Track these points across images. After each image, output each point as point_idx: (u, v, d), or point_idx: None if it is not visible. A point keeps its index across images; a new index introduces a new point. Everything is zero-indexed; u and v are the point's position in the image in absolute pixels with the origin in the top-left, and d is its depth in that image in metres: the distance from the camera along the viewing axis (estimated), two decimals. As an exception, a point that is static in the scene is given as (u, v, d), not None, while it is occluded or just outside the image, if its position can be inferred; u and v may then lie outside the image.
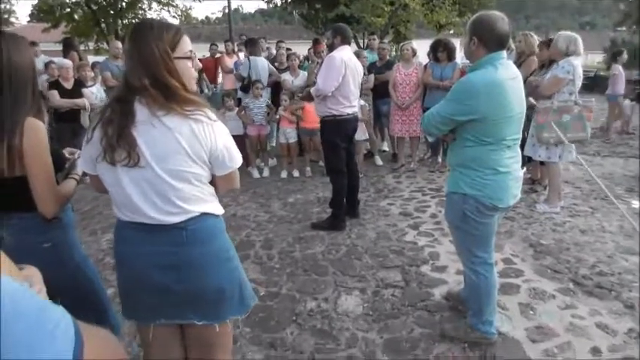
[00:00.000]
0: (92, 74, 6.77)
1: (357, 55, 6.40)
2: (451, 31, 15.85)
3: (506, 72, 2.36)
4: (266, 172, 6.53)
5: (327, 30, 4.44)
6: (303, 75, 6.59)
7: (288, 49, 8.22)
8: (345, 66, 4.15)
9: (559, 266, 3.58)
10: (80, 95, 6.22)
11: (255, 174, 6.46)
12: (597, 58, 27.71)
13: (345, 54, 4.22)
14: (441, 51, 6.22)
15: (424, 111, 6.45)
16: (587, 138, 4.68)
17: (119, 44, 7.53)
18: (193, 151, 1.55)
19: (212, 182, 1.73)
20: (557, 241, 4.06)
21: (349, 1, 11.94)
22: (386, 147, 7.79)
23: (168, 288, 1.64)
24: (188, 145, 1.54)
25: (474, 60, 2.43)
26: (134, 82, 1.54)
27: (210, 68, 9.04)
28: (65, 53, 8.16)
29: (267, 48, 9.50)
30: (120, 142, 1.51)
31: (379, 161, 6.94)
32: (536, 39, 5.60)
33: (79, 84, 6.35)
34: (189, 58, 1.61)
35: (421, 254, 3.92)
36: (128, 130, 1.51)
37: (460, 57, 7.14)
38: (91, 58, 9.85)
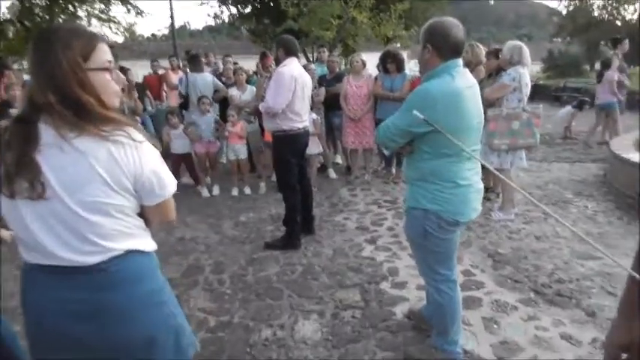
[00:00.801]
0: (20, 94, 6.29)
1: (305, 68, 6.30)
2: (398, 45, 16.08)
3: (464, 80, 2.25)
4: (216, 191, 6.24)
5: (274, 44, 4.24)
6: (250, 90, 6.38)
7: (235, 64, 8.02)
8: (295, 81, 3.98)
9: (518, 275, 3.52)
10: (7, 116, 5.74)
11: (205, 193, 6.17)
12: (536, 68, 28.96)
13: (294, 68, 4.05)
14: (390, 62, 6.19)
15: (376, 122, 6.41)
16: (536, 144, 4.71)
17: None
18: (113, 178, 1.32)
19: (143, 214, 1.49)
20: (515, 249, 4.02)
21: (297, 15, 11.86)
22: (339, 159, 7.67)
23: (88, 341, 1.38)
24: (106, 172, 1.31)
25: (429, 69, 2.31)
26: (38, 98, 1.29)
27: (154, 85, 8.69)
28: (-5, 72, 7.63)
29: (215, 63, 9.28)
30: (20, 171, 1.26)
31: (333, 174, 6.80)
32: (482, 49, 5.64)
33: (6, 104, 5.87)
34: (106, 69, 1.38)
35: (380, 270, 3.77)
36: (30, 156, 1.27)
37: (409, 68, 7.14)
38: (27, 78, 9.24)
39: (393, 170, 6.59)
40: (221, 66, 8.15)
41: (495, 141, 4.52)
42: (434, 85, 2.21)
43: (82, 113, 1.29)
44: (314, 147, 6.16)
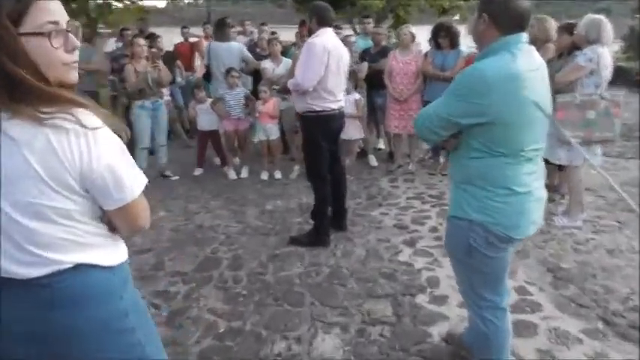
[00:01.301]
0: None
1: (345, 40, 5.95)
2: (456, 17, 15.35)
3: (528, 61, 1.90)
4: (244, 173, 6.05)
5: None
6: (285, 63, 6.09)
7: (273, 33, 7.74)
8: (328, 54, 3.67)
9: (584, 298, 3.13)
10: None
11: (232, 175, 5.99)
12: (614, 47, 27.24)
13: (328, 39, 3.74)
14: (442, 36, 5.75)
15: (424, 105, 6.02)
16: (615, 138, 4.23)
17: (77, 23, 6.99)
18: (51, 174, 1.10)
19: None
20: (581, 264, 3.61)
21: (344, -19, 11.46)
22: (382, 144, 7.32)
23: None
24: (42, 167, 1.09)
25: (485, 44, 1.96)
26: None
27: (185, 54, 8.53)
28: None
29: (252, 32, 9.04)
30: None
31: (373, 161, 6.47)
32: (552, 23, 5.15)
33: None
34: (47, 34, 1.13)
35: (417, 279, 3.46)
36: None
37: (465, 44, 6.68)
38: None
39: (441, 160, 6.19)
40: (257, 35, 7.90)
41: (565, 133, 4.07)
42: (489, 65, 1.87)
43: (15, 90, 1.05)
44: (354, 131, 5.86)
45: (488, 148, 1.92)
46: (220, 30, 6.38)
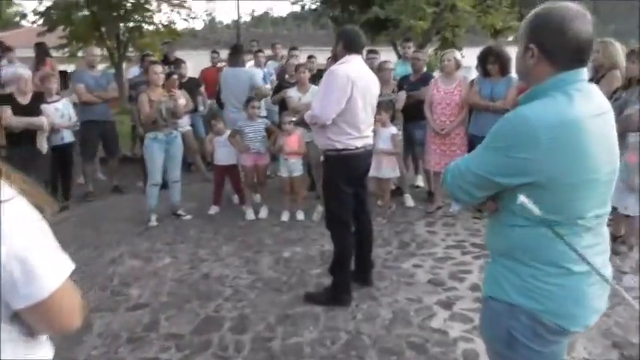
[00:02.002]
0: (56, 86, 6.26)
1: (381, 67, 5.70)
2: (509, 38, 14.99)
3: (588, 104, 1.56)
4: (263, 213, 5.81)
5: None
6: (313, 91, 5.88)
7: (310, 57, 7.60)
8: (353, 84, 3.41)
9: (662, 390, 2.67)
10: (38, 112, 5.69)
11: (250, 215, 5.75)
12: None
13: (353, 67, 3.49)
14: (492, 62, 5.42)
15: (470, 140, 5.66)
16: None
17: (97, 51, 7.07)
18: None
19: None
20: (657, 341, 3.14)
21: (385, 0, 11.26)
22: (420, 182, 6.96)
23: None
24: None
25: (533, 81, 1.64)
26: None
27: (210, 80, 8.45)
28: (38, 60, 7.80)
29: (282, 57, 8.94)
30: None
31: (410, 201, 6.11)
32: (618, 48, 4.76)
33: (38, 98, 5.84)
34: None
35: (452, 352, 3.08)
36: None
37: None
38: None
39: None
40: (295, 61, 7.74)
41: (635, 179, 3.64)
42: (536, 110, 1.53)
43: None
44: (389, 169, 5.55)
45: (536, 215, 1.58)
46: (233, 55, 6.34)
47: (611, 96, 4.37)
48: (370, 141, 3.75)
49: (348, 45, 3.57)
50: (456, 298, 3.78)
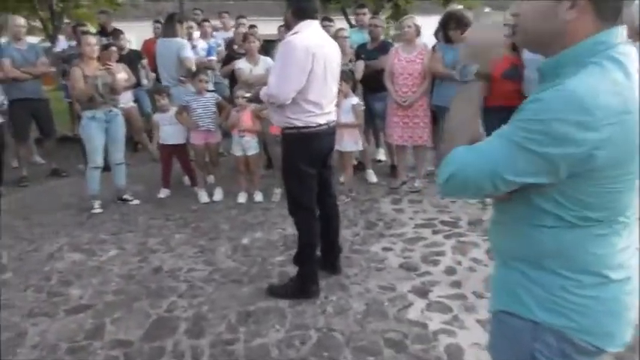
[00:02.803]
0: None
1: (336, 36, 5.27)
2: (460, 5, 14.74)
3: (634, 74, 1.21)
4: (218, 195, 5.36)
5: None
6: (265, 62, 5.42)
7: (252, 27, 7.07)
8: (313, 57, 3.00)
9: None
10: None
11: (204, 197, 5.30)
12: None
13: (311, 37, 3.06)
14: (453, 28, 5.07)
15: (433, 112, 5.35)
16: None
17: (21, 20, 6.31)
18: None
19: None
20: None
21: (336, -33, 10.78)
22: (382, 156, 6.65)
23: None
24: None
25: (559, 45, 1.25)
26: None
27: (153, 52, 7.79)
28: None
29: (230, 27, 8.34)
30: None
31: (372, 177, 5.80)
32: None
33: None
34: None
35: (433, 349, 2.79)
36: None
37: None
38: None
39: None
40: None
41: None
42: (592, 87, 1.15)
43: None
44: (350, 142, 5.18)
45: (572, 212, 1.24)
46: (166, 25, 5.90)
47: None
48: (333, 117, 3.36)
49: (299, 11, 3.14)
50: (431, 283, 3.49)
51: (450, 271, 3.67)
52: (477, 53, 1.33)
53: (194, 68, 5.57)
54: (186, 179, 5.77)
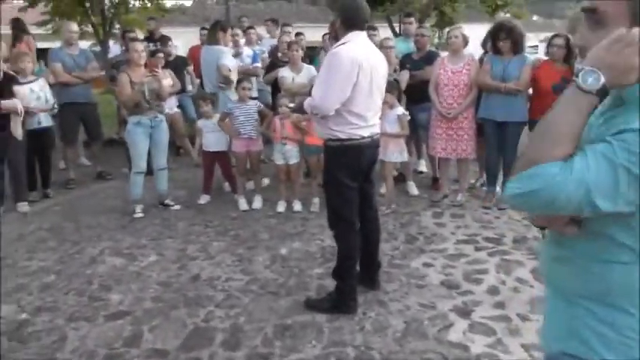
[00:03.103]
0: (31, 66, 5.71)
1: (381, 45, 5.20)
2: (507, 14, 14.44)
3: None
4: (257, 203, 5.35)
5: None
6: (308, 70, 5.39)
7: (298, 35, 7.08)
8: (359, 68, 2.94)
9: None
10: (10, 94, 5.17)
11: (243, 205, 5.30)
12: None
13: (357, 48, 3.00)
14: (503, 38, 4.94)
15: (478, 125, 5.21)
16: None
17: (75, 27, 6.49)
18: None
19: None
20: None
21: (382, -25, 10.71)
22: (423, 167, 6.52)
23: None
24: None
25: None
26: None
27: (198, 59, 7.89)
28: (15, 38, 7.21)
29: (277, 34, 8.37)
30: None
31: (414, 189, 5.68)
32: None
33: (11, 79, 5.31)
34: None
35: (476, 374, 2.67)
36: None
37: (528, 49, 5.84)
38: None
39: (498, 189, 5.35)
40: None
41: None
42: None
43: None
44: (395, 153, 5.07)
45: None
46: (210, 32, 6.01)
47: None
48: (377, 129, 3.29)
49: (348, 20, 3.08)
50: (473, 303, 3.37)
51: (493, 290, 3.54)
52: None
53: (231, 76, 5.61)
54: (227, 185, 5.80)
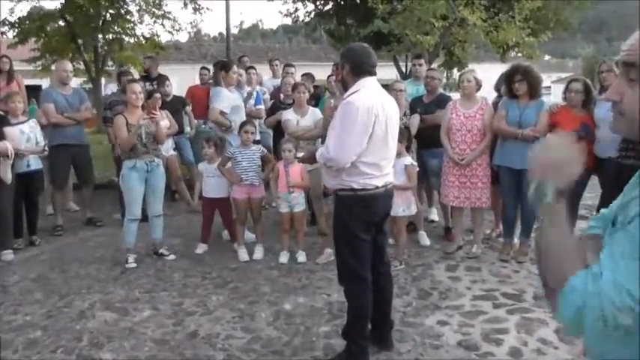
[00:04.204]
0: (22, 106, 5.81)
1: (390, 89, 5.27)
2: (519, 55, 14.76)
3: None
4: (259, 254, 5.34)
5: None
6: (313, 113, 5.48)
7: (306, 75, 7.23)
8: (375, 118, 3.00)
9: None
10: (1, 136, 5.23)
11: (243, 256, 5.29)
12: None
13: (370, 95, 3.07)
14: (519, 80, 5.02)
15: (493, 173, 5.26)
16: None
17: (69, 65, 6.63)
18: None
19: None
20: None
21: (388, 13, 10.95)
22: (435, 216, 6.54)
23: None
24: None
25: None
26: None
27: (199, 99, 8.01)
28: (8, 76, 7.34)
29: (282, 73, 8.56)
30: None
31: (425, 240, 5.69)
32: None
33: (1, 120, 5.39)
34: None
35: None
36: None
37: (547, 94, 5.96)
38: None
39: (516, 241, 5.35)
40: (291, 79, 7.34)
41: None
42: None
43: None
44: (403, 205, 5.03)
45: None
46: (214, 72, 6.06)
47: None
48: (391, 178, 3.33)
49: (355, 67, 3.16)
50: (494, 367, 3.33)
51: (515, 353, 3.49)
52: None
53: (231, 117, 5.66)
54: (226, 233, 5.81)
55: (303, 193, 5.19)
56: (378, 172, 3.12)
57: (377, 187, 3.16)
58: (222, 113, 5.62)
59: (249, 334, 3.80)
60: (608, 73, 4.98)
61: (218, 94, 5.78)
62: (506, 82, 5.19)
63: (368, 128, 2.98)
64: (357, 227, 3.17)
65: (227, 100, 5.65)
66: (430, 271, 4.98)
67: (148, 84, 7.30)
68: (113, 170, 8.59)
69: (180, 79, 13.08)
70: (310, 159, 3.44)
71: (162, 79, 7.74)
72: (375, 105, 3.01)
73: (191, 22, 18.27)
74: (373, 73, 3.24)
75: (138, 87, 5.25)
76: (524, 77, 5.03)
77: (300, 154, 4.97)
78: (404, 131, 4.98)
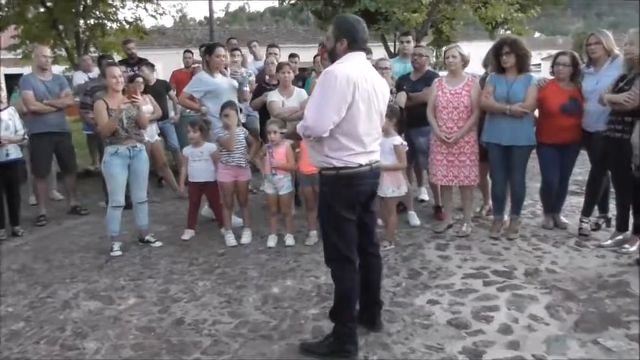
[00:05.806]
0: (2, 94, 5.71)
1: (376, 66, 5.20)
2: (508, 31, 14.68)
3: None
4: (246, 238, 5.30)
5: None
6: (299, 94, 5.42)
7: (293, 56, 7.15)
8: (355, 88, 2.94)
9: None
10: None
11: (231, 240, 5.25)
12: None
13: (355, 67, 3.01)
14: (506, 52, 4.94)
15: (482, 150, 5.22)
16: None
17: (47, 51, 6.50)
18: None
19: None
20: None
21: (375, -9, 10.85)
22: (424, 195, 6.52)
23: None
24: None
25: None
26: None
27: (183, 82, 7.85)
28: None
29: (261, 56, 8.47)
30: None
31: (415, 220, 5.67)
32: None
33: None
34: None
35: None
36: None
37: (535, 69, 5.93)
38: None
39: (506, 218, 5.34)
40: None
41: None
42: None
43: None
44: (392, 186, 4.98)
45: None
46: (202, 57, 6.01)
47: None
48: (377, 156, 3.28)
49: (355, 43, 3.09)
50: (484, 344, 3.31)
51: (506, 329, 3.48)
52: None
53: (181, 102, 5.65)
54: (206, 209, 5.79)
55: (289, 176, 5.14)
56: (361, 148, 3.06)
57: (360, 165, 3.10)
58: (191, 98, 5.60)
59: (237, 319, 3.77)
60: (597, 45, 4.91)
61: (196, 79, 5.72)
62: (494, 55, 5.11)
63: (347, 97, 2.92)
64: (341, 207, 3.12)
65: (201, 86, 5.52)
66: (420, 250, 4.96)
67: (129, 69, 7.19)
68: (89, 159, 8.58)
69: (165, 65, 12.95)
70: (293, 135, 3.37)
71: (144, 64, 7.63)
72: (356, 75, 2.95)
73: (175, 6, 18.04)
74: (365, 49, 3.19)
75: (117, 70, 5.15)
76: (511, 49, 4.95)
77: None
78: (395, 110, 4.91)
